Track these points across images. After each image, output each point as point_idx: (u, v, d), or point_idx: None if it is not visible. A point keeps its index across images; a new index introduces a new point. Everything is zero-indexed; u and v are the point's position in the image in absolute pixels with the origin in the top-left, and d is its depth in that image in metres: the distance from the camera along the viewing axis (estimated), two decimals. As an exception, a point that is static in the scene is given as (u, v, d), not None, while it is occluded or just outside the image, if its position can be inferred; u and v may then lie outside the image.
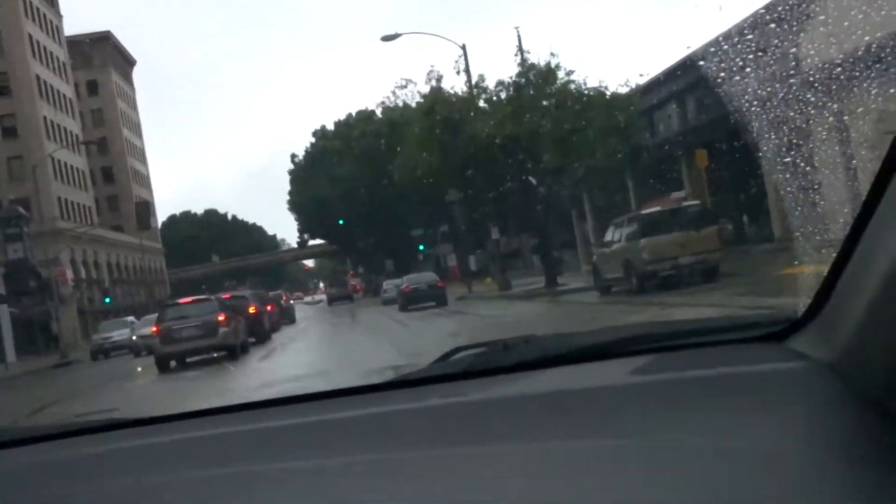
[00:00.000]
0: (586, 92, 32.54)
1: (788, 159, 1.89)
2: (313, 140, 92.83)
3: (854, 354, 1.48)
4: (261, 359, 22.89)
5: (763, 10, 1.93)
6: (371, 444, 1.68)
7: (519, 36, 52.96)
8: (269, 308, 36.89)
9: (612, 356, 2.04)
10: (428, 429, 1.73)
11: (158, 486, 1.63)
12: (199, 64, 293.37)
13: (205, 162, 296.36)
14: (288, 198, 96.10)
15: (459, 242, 66.87)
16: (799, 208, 1.91)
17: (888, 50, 1.55)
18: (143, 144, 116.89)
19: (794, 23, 1.88)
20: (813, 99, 1.79)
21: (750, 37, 1.92)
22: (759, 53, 1.90)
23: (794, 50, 1.85)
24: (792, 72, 1.85)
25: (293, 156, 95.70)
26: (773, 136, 1.88)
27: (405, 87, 46.95)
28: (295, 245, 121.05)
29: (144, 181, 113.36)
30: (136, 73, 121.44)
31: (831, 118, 1.82)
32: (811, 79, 1.76)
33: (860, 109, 1.65)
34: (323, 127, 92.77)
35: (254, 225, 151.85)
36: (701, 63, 2.03)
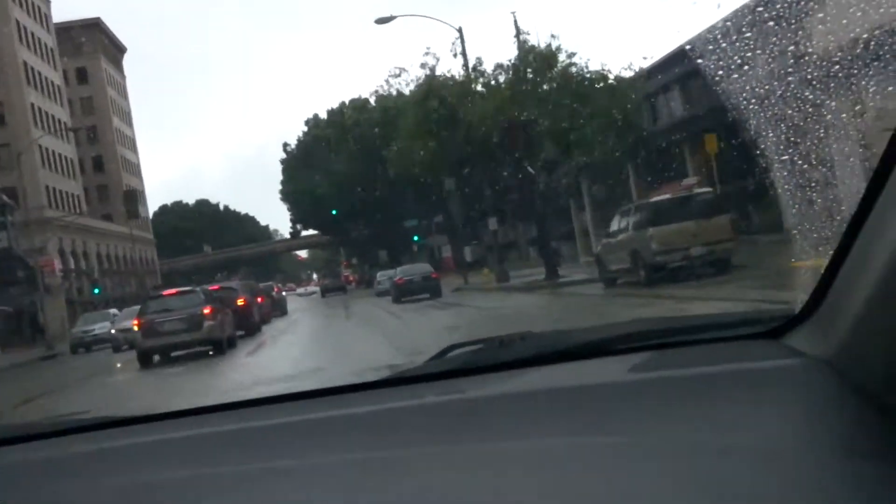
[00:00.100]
0: (588, 76, 31.33)
1: (786, 157, 1.87)
2: (306, 129, 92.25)
3: (852, 351, 1.48)
4: (248, 353, 21.72)
5: (761, 8, 1.91)
6: (367, 442, 1.66)
7: (516, 21, 51.66)
8: (259, 300, 35.84)
9: (610, 353, 2.04)
10: (425, 426, 1.71)
11: (152, 485, 1.61)
12: (190, 52, 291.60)
13: (196, 152, 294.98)
14: (280, 187, 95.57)
15: (454, 233, 66.00)
16: (796, 205, 1.90)
17: (886, 47, 1.54)
18: (133, 133, 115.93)
19: (793, 21, 1.86)
20: (811, 97, 1.76)
21: (748, 35, 1.90)
22: (758, 51, 1.88)
23: (792, 48, 1.82)
24: (790, 70, 1.82)
25: (285, 145, 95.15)
26: (771, 134, 1.86)
27: (399, 75, 46.27)
28: (287, 236, 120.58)
29: (135, 170, 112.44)
30: (127, 61, 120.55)
31: (829, 116, 1.78)
32: (809, 77, 1.74)
33: (858, 107, 1.62)
34: (315, 116, 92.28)
35: (246, 215, 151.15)
36: (699, 61, 2.01)
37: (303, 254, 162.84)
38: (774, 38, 1.88)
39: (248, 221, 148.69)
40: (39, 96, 79.29)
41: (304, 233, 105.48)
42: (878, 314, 1.35)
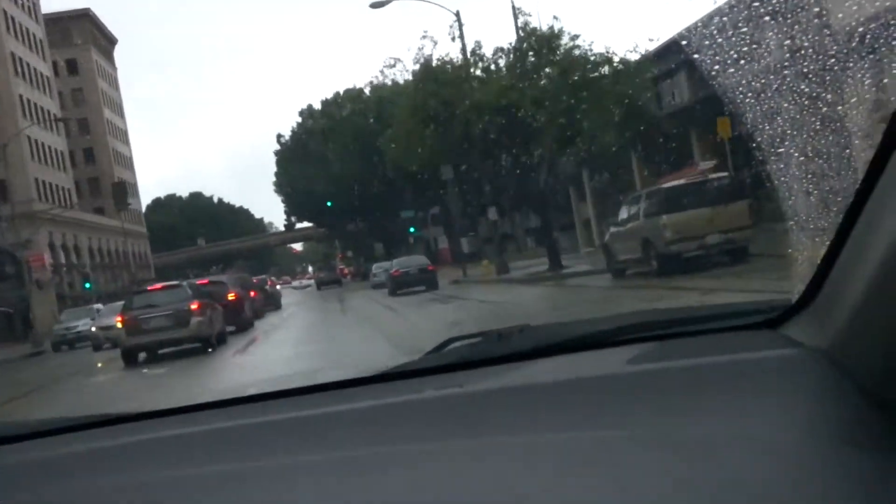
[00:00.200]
0: (592, 59, 30.03)
1: (782, 150, 1.89)
2: (300, 120, 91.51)
3: (849, 340, 1.49)
4: (236, 353, 20.43)
5: (757, 3, 1.92)
6: (365, 437, 1.66)
7: (513, 3, 50.11)
8: (252, 294, 34.74)
9: (609, 345, 2.03)
10: (423, 421, 1.71)
11: (146, 484, 1.61)
12: (182, 43, 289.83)
13: (190, 144, 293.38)
14: (274, 179, 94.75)
15: (451, 224, 64.98)
16: (793, 197, 1.92)
17: (882, 40, 1.58)
18: (125, 125, 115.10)
19: (789, 15, 1.88)
20: (807, 90, 1.77)
21: (745, 29, 1.90)
22: (754, 46, 1.88)
23: (788, 42, 1.82)
24: (786, 63, 1.81)
25: (279, 136, 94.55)
26: (768, 127, 1.88)
27: (394, 65, 45.40)
28: (282, 229, 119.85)
29: (127, 163, 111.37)
30: (118, 53, 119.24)
31: (825, 108, 1.77)
32: (805, 70, 1.75)
33: (854, 99, 1.63)
34: (309, 106, 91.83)
35: (240, 208, 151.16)
36: (696, 56, 2.00)
37: (298, 247, 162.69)
38: (770, 33, 1.88)
39: (242, 214, 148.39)
40: (28, 87, 78.26)
41: (298, 225, 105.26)
42: (874, 303, 1.35)
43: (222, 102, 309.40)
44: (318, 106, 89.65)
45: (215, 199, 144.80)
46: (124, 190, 59.64)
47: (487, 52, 33.72)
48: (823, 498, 1.27)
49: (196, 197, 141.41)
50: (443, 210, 70.11)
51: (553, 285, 27.31)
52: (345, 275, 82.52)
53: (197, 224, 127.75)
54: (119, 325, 21.80)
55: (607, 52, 30.40)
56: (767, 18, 1.94)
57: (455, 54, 35.75)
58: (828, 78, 1.74)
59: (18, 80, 75.81)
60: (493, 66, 32.77)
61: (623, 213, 22.86)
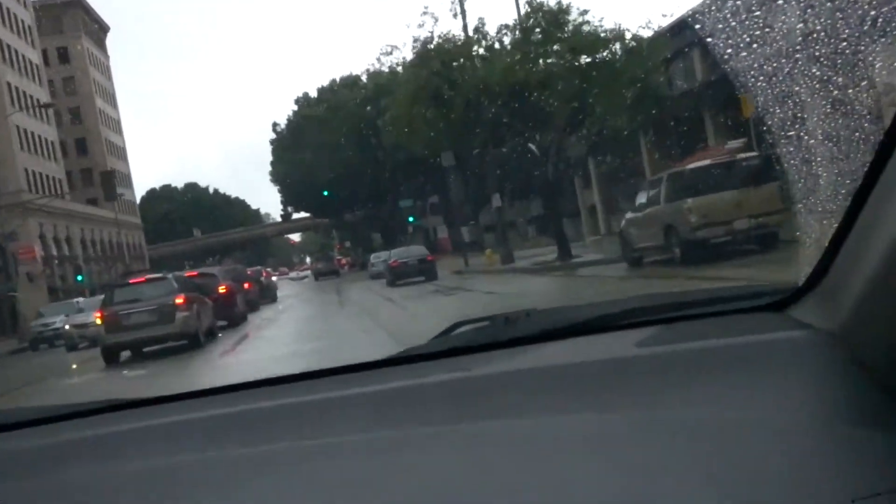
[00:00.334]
0: (603, 35, 28.32)
1: (792, 133, 1.88)
2: (296, 108, 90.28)
3: (856, 323, 1.49)
4: (224, 352, 18.84)
5: None
6: (373, 421, 1.66)
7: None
8: (246, 286, 33.23)
9: (616, 328, 2.04)
10: (431, 405, 1.71)
11: (157, 469, 1.61)
12: (176, 31, 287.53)
13: (185, 134, 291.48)
14: (270, 169, 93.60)
15: (451, 213, 63.64)
16: (802, 180, 1.91)
17: (893, 24, 1.58)
18: (118, 115, 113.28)
19: None
20: (818, 73, 1.77)
21: (757, 13, 1.91)
22: (766, 30, 1.87)
23: (801, 25, 1.81)
24: (798, 47, 1.80)
25: (275, 125, 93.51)
26: (778, 111, 1.88)
27: (391, 53, 43.86)
28: (279, 219, 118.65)
29: (120, 153, 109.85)
30: (111, 41, 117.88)
31: (836, 92, 1.75)
32: (817, 54, 1.73)
33: (865, 82, 1.66)
34: (306, 94, 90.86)
35: (236, 199, 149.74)
36: (709, 40, 2.00)
37: (295, 237, 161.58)
38: (783, 16, 1.87)
39: (238, 205, 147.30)
40: (16, 75, 76.59)
41: (295, 216, 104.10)
42: (881, 286, 1.36)
43: (217, 91, 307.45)
44: (314, 94, 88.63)
45: (211, 190, 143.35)
46: (113, 179, 57.85)
47: (491, 29, 32.02)
48: (830, 479, 1.27)
49: (192, 187, 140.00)
50: (442, 199, 69.01)
51: (563, 275, 25.73)
52: (342, 265, 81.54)
53: (193, 215, 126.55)
54: (98, 321, 20.13)
55: (618, 29, 28.71)
56: (780, 2, 1.97)
57: (457, 32, 33.94)
58: (839, 61, 1.71)
59: (6, 67, 74.07)
60: (496, 45, 31.08)
61: (641, 198, 21.25)
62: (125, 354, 20.45)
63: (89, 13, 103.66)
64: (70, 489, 1.61)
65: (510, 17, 36.78)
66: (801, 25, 1.83)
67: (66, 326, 29.70)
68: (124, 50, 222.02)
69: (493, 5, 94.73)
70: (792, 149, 1.95)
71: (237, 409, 1.85)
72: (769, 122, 1.97)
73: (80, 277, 70.05)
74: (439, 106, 30.25)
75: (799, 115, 1.88)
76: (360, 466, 1.48)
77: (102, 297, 23.52)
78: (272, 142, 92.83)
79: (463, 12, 31.71)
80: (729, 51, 1.96)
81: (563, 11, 28.64)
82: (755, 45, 1.91)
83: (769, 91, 1.92)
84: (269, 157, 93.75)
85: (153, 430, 1.82)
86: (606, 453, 1.41)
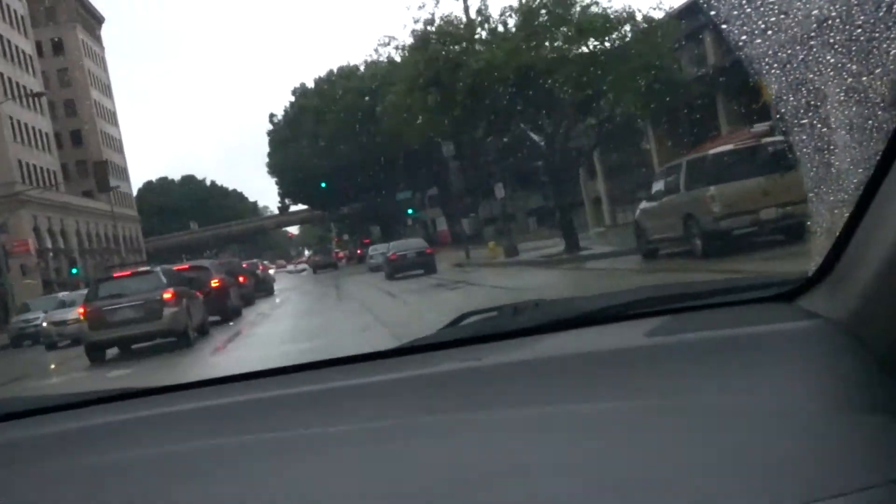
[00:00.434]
0: (613, 16, 27.05)
1: (805, 121, 1.86)
2: (293, 99, 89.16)
3: (867, 312, 1.50)
4: (215, 350, 17.67)
5: None
6: (383, 410, 1.66)
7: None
8: (241, 280, 32.13)
9: (623, 319, 2.02)
10: (440, 394, 1.71)
11: (169, 456, 1.62)
12: (173, 21, 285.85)
13: (182, 126, 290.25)
14: (267, 160, 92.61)
15: (451, 205, 62.67)
16: (814, 169, 1.90)
17: None
18: (114, 107, 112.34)
19: None
20: (832, 60, 1.74)
21: (772, 0, 1.87)
22: (782, 16, 1.85)
23: (816, 12, 1.79)
24: (813, 34, 1.78)
25: (271, 116, 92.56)
26: (792, 99, 1.85)
27: (388, 43, 42.58)
28: (276, 212, 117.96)
29: (117, 145, 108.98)
30: (105, 32, 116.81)
31: (850, 79, 1.72)
32: (831, 40, 1.72)
33: (879, 70, 1.63)
34: (302, 84, 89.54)
35: (234, 191, 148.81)
36: (724, 27, 1.97)
37: (294, 230, 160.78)
38: (798, 2, 1.82)
39: (235, 197, 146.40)
40: (9, 66, 75.67)
41: (293, 208, 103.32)
42: (891, 275, 1.37)
43: (215, 83, 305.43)
44: (311, 85, 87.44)
45: (208, 183, 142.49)
46: (106, 170, 56.95)
47: (494, 12, 30.71)
48: (841, 468, 1.28)
49: (188, 180, 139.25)
50: (441, 191, 68.09)
51: (572, 268, 24.56)
52: (340, 258, 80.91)
53: (190, 208, 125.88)
54: (81, 317, 18.93)
55: (628, 9, 27.43)
56: None
57: (459, 13, 32.61)
58: (854, 48, 1.67)
59: (-1, 57, 73.24)
60: (500, 28, 29.80)
61: (658, 186, 20.06)
62: (112, 352, 19.34)
63: (84, 4, 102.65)
64: (82, 475, 1.61)
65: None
66: (816, 12, 1.80)
67: (44, 324, 27.98)
68: (120, 41, 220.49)
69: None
70: (805, 137, 1.91)
71: (248, 397, 1.84)
72: (782, 110, 1.94)
73: (74, 270, 69.26)
74: (441, 91, 28.94)
75: (812, 102, 1.84)
76: (370, 454, 1.49)
77: (79, 292, 22.30)
78: (269, 133, 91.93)
79: (465, -6, 30.44)
80: (744, 37, 1.93)
81: (570, -9, 27.36)
82: (769, 32, 1.87)
83: (783, 79, 1.88)
84: (267, 149, 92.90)
85: (165, 417, 1.81)
86: (616, 440, 1.41)
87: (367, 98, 72.56)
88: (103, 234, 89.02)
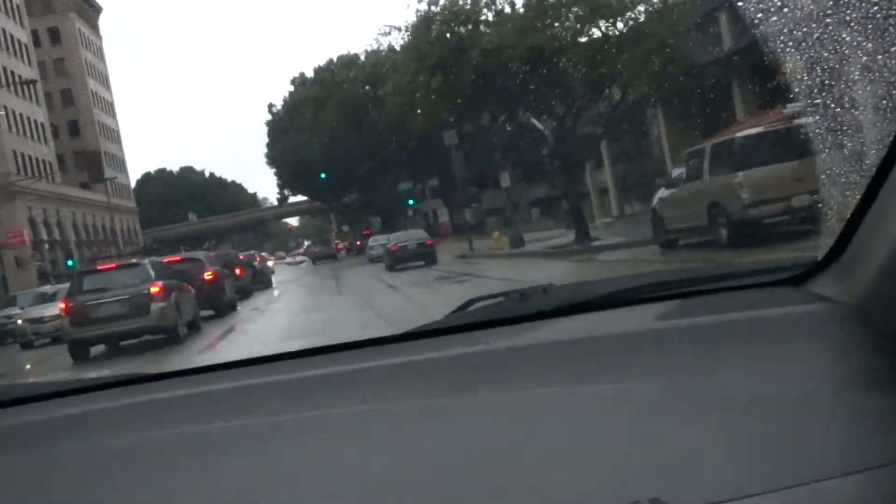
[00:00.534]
0: (627, -7, 25.77)
1: (819, 100, 1.85)
2: (292, 89, 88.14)
3: (877, 296, 1.49)
4: (205, 349, 16.44)
5: None
6: (392, 393, 1.67)
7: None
8: (238, 272, 30.93)
9: (632, 303, 2.01)
10: (449, 378, 1.71)
11: (169, 441, 1.62)
12: (171, 11, 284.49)
13: (181, 117, 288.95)
14: (266, 151, 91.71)
15: (452, 196, 61.63)
16: (827, 150, 1.89)
17: None
18: (112, 97, 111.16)
19: None
20: (848, 38, 1.73)
21: None
22: None
23: None
24: (829, 11, 1.77)
25: (270, 106, 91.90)
26: (806, 78, 1.85)
27: (389, 33, 41.38)
28: (276, 203, 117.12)
29: (114, 136, 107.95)
30: (103, 21, 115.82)
31: (865, 58, 1.71)
32: (847, 18, 1.70)
33: (894, 48, 1.62)
34: (302, 74, 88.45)
35: (233, 182, 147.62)
36: (739, 4, 2.11)
37: (293, 222, 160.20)
38: None
39: (234, 189, 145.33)
40: (4, 55, 74.47)
41: (292, 199, 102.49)
42: None
43: (213, 73, 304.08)
44: (311, 74, 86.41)
45: (207, 174, 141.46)
46: (98, 161, 55.89)
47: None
48: (852, 447, 1.28)
49: (187, 171, 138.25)
50: (442, 181, 67.11)
51: (584, 260, 23.34)
52: (339, 249, 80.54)
53: (188, 199, 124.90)
54: (62, 313, 17.69)
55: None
56: None
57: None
58: (870, 26, 1.65)
59: (-8, 46, 72.11)
60: (507, 10, 28.52)
61: (678, 172, 18.85)
62: (98, 349, 18.16)
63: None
64: (81, 461, 1.61)
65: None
66: None
67: (19, 321, 25.94)
68: (118, 31, 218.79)
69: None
70: (818, 117, 1.89)
71: (258, 381, 1.82)
72: (796, 90, 1.90)
73: (71, 262, 68.22)
74: (446, 75, 27.63)
75: (826, 82, 1.82)
76: (376, 438, 1.48)
77: (59, 286, 21.05)
78: (268, 123, 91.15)
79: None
80: (759, 15, 1.91)
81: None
82: (785, 10, 1.86)
83: (798, 57, 1.86)
84: (266, 140, 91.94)
85: (164, 403, 1.79)
86: (625, 424, 1.41)
87: (367, 87, 71.90)
88: (100, 225, 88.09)
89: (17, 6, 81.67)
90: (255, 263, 39.97)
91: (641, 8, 25.96)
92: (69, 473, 1.56)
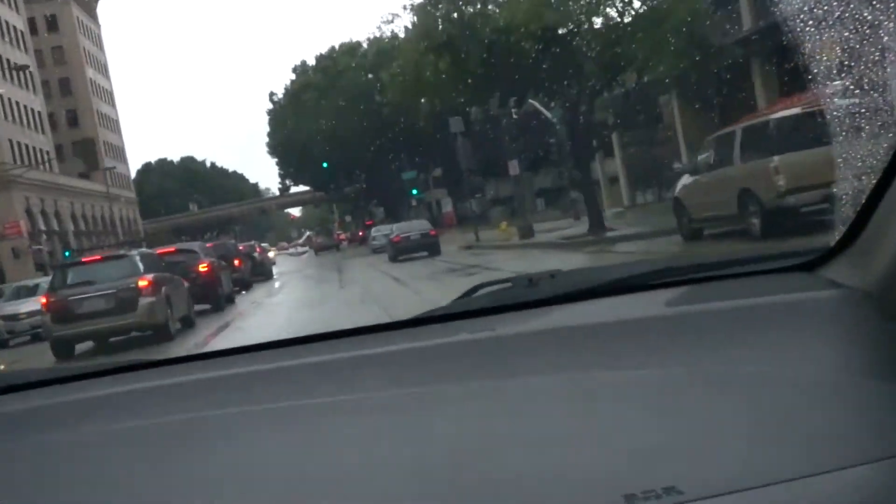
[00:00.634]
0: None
1: (838, 82, 1.82)
2: (293, 77, 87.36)
3: (892, 281, 1.49)
4: (194, 347, 15.29)
5: None
6: (399, 379, 1.65)
7: None
8: (236, 263, 29.87)
9: (643, 289, 1.98)
10: (456, 364, 1.70)
11: (174, 426, 1.61)
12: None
13: (181, 106, 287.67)
14: (267, 140, 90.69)
15: (458, 184, 60.52)
16: (843, 133, 1.84)
17: None
18: (111, 86, 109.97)
19: None
20: (869, 17, 1.69)
21: None
22: None
23: None
24: None
25: (272, 94, 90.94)
26: (825, 58, 1.82)
27: (391, 21, 40.22)
28: (277, 194, 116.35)
29: (113, 125, 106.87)
30: (102, 9, 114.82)
31: (886, 38, 1.68)
32: None
33: None
34: (303, 62, 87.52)
35: (234, 172, 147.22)
36: None
37: (295, 212, 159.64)
38: None
39: (236, 178, 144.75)
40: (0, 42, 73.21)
41: (294, 189, 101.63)
42: None
43: (214, 62, 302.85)
44: (313, 62, 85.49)
45: (208, 164, 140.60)
46: (92, 148, 54.69)
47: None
48: (866, 435, 1.27)
49: (188, 161, 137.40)
50: (447, 170, 66.07)
51: (598, 251, 22.14)
52: (342, 240, 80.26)
53: (189, 189, 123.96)
54: (44, 308, 16.48)
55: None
56: None
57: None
58: (892, 4, 1.65)
59: (-14, 33, 71.00)
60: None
61: (704, 157, 17.62)
62: (84, 346, 17.01)
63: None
64: (79, 448, 1.60)
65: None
66: None
67: None
68: (118, 19, 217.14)
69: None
70: (836, 100, 1.84)
71: (264, 367, 1.80)
72: (815, 71, 1.85)
73: (68, 253, 67.23)
74: (454, 55, 26.34)
75: (846, 62, 1.77)
76: (382, 424, 1.47)
77: (41, 280, 19.82)
78: (269, 112, 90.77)
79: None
80: None
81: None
82: None
83: (818, 37, 1.81)
84: (267, 129, 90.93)
85: (169, 388, 1.77)
86: (633, 410, 1.40)
87: (370, 75, 71.01)
88: (99, 215, 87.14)
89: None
90: (255, 254, 39.08)
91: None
92: (67, 460, 1.53)
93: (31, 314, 19.55)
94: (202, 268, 22.41)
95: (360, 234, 77.12)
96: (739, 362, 1.49)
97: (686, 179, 18.53)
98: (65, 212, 77.05)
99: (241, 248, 36.97)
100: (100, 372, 1.97)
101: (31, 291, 22.86)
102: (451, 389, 1.57)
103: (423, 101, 31.56)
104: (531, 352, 1.66)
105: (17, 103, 73.19)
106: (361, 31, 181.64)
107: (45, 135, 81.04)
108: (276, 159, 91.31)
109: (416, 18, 29.56)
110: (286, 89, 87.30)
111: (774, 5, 1.92)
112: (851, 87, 1.78)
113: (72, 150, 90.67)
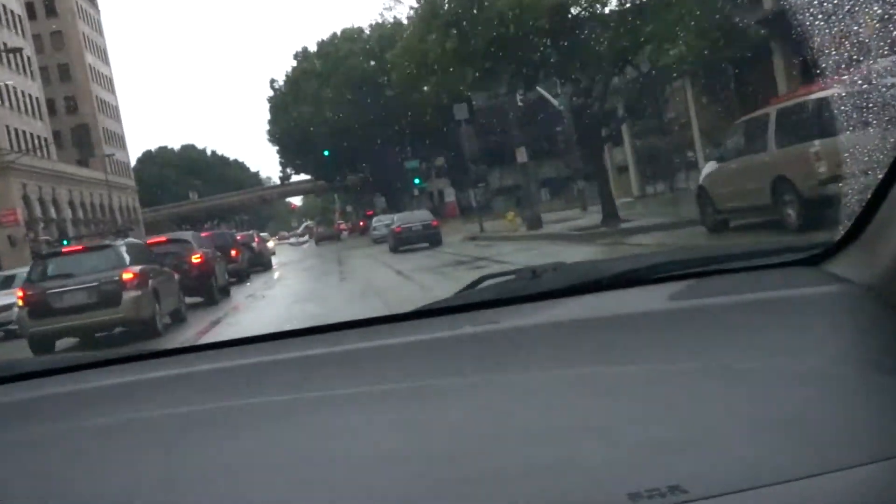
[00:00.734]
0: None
1: (846, 76, 1.78)
2: (294, 63, 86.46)
3: (894, 275, 1.48)
4: (182, 344, 14.17)
5: None
6: (402, 372, 1.63)
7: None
8: (233, 253, 28.78)
9: (648, 283, 1.97)
10: (459, 356, 1.68)
11: (177, 417, 1.58)
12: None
13: (182, 94, 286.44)
14: (268, 128, 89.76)
15: (460, 175, 59.52)
16: (851, 128, 1.80)
17: None
18: (110, 72, 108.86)
19: None
20: (879, 11, 1.68)
21: None
22: None
23: None
24: None
25: (272, 81, 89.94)
26: (834, 53, 1.78)
27: (393, 8, 39.13)
28: (278, 182, 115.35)
29: (113, 112, 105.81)
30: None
31: (895, 32, 1.64)
32: None
33: None
34: (305, 49, 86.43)
35: (235, 161, 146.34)
36: None
37: (296, 201, 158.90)
38: None
39: (236, 167, 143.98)
40: (-5, 26, 72.16)
41: (295, 178, 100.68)
42: None
43: (215, 49, 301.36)
44: (314, 48, 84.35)
45: (209, 152, 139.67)
46: (87, 135, 53.57)
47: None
48: (869, 428, 1.26)
49: (188, 149, 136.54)
50: (450, 160, 65.04)
51: (612, 243, 20.93)
52: (343, 230, 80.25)
53: (190, 177, 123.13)
54: (20, 302, 15.30)
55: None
56: None
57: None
58: None
59: (-19, 17, 69.90)
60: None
61: (733, 143, 16.44)
62: (65, 343, 15.88)
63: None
64: (76, 439, 1.57)
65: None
66: None
67: None
68: (118, 5, 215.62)
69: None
70: (844, 93, 1.82)
71: (268, 358, 1.78)
72: (823, 65, 1.83)
73: (66, 242, 66.14)
74: (461, 34, 25.12)
75: (855, 56, 1.76)
76: (385, 416, 1.45)
77: (19, 270, 18.63)
78: (269, 99, 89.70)
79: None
80: None
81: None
82: None
83: (827, 31, 1.80)
84: (268, 116, 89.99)
85: (173, 379, 1.75)
86: (637, 403, 1.38)
87: (372, 62, 70.01)
88: (98, 203, 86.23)
89: (11, -24, 79.44)
90: (254, 244, 37.97)
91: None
92: (64, 451, 1.51)
93: (2, 308, 18.32)
94: (195, 259, 21.21)
95: (362, 224, 76.35)
96: (743, 357, 1.47)
97: (711, 167, 17.36)
98: (62, 199, 76.14)
99: (239, 237, 35.93)
100: (93, 363, 1.93)
101: (9, 283, 21.49)
102: (454, 383, 1.55)
103: (426, 87, 30.32)
104: (535, 345, 1.65)
105: (15, 89, 72.16)
106: (364, 16, 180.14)
107: (43, 121, 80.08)
108: (276, 147, 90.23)
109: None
110: (287, 76, 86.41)
111: None
112: (860, 81, 1.72)
113: (70, 136, 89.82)
